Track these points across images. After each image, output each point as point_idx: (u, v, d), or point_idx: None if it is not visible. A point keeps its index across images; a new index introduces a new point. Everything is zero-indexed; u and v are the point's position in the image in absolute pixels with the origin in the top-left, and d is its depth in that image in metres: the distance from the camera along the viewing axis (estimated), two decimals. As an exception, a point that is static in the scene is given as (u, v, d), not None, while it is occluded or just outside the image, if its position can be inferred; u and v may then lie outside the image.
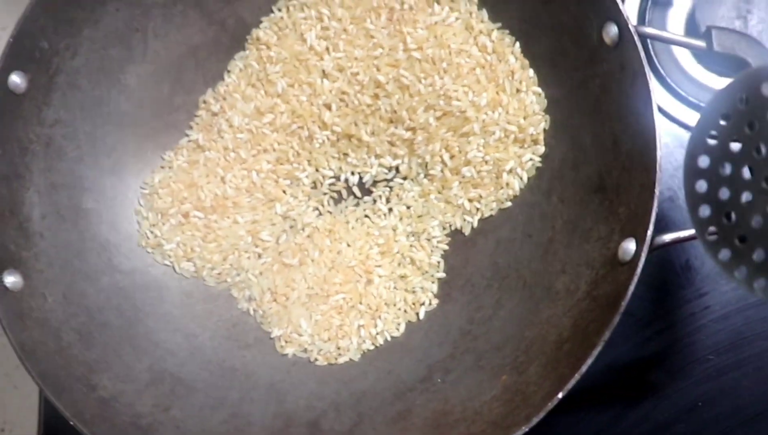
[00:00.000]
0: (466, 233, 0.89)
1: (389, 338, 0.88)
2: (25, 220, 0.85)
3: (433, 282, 0.89)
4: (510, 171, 0.87)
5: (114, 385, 0.83)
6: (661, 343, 0.90)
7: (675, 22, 0.94)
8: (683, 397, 0.89)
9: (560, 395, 0.73)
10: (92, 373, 0.82)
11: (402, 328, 0.88)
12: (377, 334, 0.88)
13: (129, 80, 0.92)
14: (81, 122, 0.89)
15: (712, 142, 0.60)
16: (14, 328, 0.79)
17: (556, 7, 0.83)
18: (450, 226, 0.89)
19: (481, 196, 0.88)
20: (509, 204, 0.88)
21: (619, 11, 0.77)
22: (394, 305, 0.88)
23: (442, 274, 0.89)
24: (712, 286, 0.90)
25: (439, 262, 0.89)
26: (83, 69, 0.88)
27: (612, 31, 0.78)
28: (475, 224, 0.89)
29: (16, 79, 0.83)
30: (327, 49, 0.90)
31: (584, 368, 0.73)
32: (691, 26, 0.92)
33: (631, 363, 0.88)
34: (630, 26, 0.76)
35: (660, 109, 0.87)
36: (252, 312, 0.91)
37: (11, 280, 0.81)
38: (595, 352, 0.73)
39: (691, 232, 0.74)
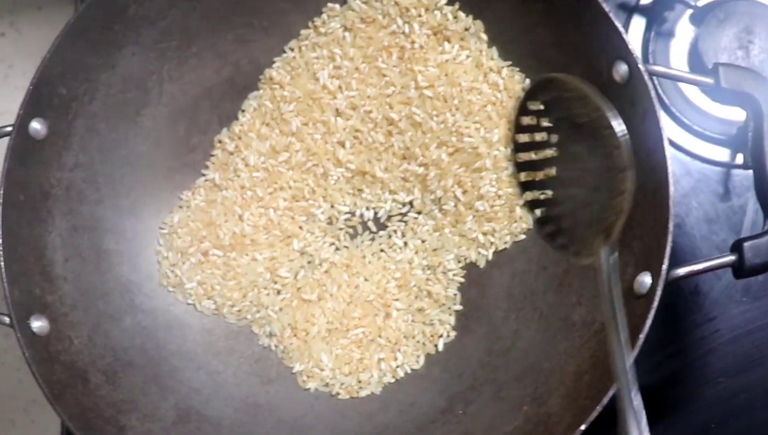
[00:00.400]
0: (481, 266, 0.90)
1: (409, 371, 0.89)
2: (49, 264, 0.86)
3: (450, 314, 0.90)
4: (523, 205, 0.88)
5: (142, 425, 0.84)
6: (673, 366, 0.92)
7: (678, 53, 0.96)
8: (696, 419, 0.91)
9: (583, 427, 0.75)
10: (120, 414, 0.84)
11: (422, 360, 0.90)
12: (397, 366, 0.89)
13: (145, 122, 0.93)
14: (100, 165, 0.90)
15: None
16: (43, 372, 0.80)
17: (565, 45, 0.84)
18: (465, 259, 0.91)
19: (494, 230, 0.90)
20: (523, 236, 0.89)
21: (629, 50, 0.78)
22: (413, 338, 0.90)
23: (459, 307, 0.90)
24: (720, 310, 0.92)
25: (455, 295, 0.90)
26: (101, 113, 0.89)
27: (622, 69, 0.79)
28: (490, 257, 0.90)
29: (36, 125, 0.84)
30: (340, 87, 0.92)
31: (605, 400, 0.74)
32: (694, 56, 0.94)
33: (643, 387, 0.88)
34: (640, 65, 0.78)
35: (665, 139, 0.88)
36: (273, 348, 0.92)
37: (38, 324, 0.82)
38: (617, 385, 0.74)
39: (706, 264, 0.76)
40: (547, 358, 0.84)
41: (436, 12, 0.90)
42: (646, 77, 0.78)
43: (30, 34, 1.13)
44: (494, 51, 0.90)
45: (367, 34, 0.91)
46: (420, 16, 0.90)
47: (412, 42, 0.90)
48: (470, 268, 0.92)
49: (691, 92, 0.94)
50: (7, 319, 0.80)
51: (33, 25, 1.13)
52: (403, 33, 0.90)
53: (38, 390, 1.01)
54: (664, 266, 0.75)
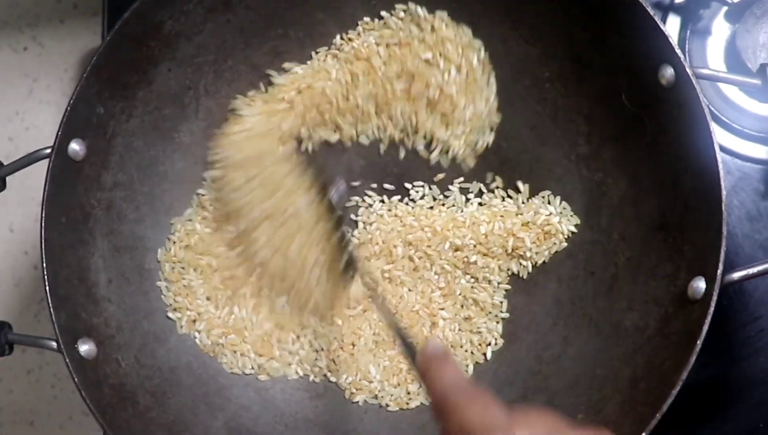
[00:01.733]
0: (524, 277, 0.90)
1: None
2: (93, 285, 0.85)
3: (497, 322, 0.90)
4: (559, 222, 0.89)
5: (194, 446, 0.83)
6: (719, 367, 0.92)
7: (714, 51, 0.95)
8: (744, 419, 0.91)
9: (644, 435, 0.74)
10: (171, 435, 0.83)
11: (470, 369, 0.89)
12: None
13: (183, 138, 0.92)
14: (139, 183, 0.90)
15: None
16: (93, 396, 0.79)
17: (608, 49, 0.84)
18: (508, 269, 0.90)
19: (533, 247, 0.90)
20: (564, 245, 0.89)
21: (675, 54, 0.77)
22: (461, 347, 0.89)
23: (505, 314, 0.90)
24: (766, 309, 0.92)
25: (502, 302, 0.90)
26: (138, 130, 0.89)
27: (668, 72, 0.79)
28: (530, 269, 0.90)
29: (75, 146, 0.83)
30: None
31: (665, 407, 0.74)
32: (731, 54, 0.94)
33: (690, 388, 0.88)
34: (687, 69, 0.77)
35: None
36: (321, 362, 0.91)
37: (85, 348, 0.81)
38: (675, 392, 0.74)
39: (761, 268, 0.76)
40: (600, 365, 0.83)
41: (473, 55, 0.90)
42: (693, 81, 0.77)
43: (53, 48, 1.13)
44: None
45: (398, 55, 0.90)
46: (456, 54, 0.89)
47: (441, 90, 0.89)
48: (515, 275, 0.91)
49: (730, 90, 0.94)
50: (54, 344, 0.79)
51: (55, 39, 1.12)
52: (437, 67, 0.90)
53: (74, 407, 1.02)
54: (719, 271, 0.74)
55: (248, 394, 0.89)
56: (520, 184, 0.92)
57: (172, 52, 0.88)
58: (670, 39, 0.78)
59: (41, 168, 0.81)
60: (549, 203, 0.89)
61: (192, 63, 0.90)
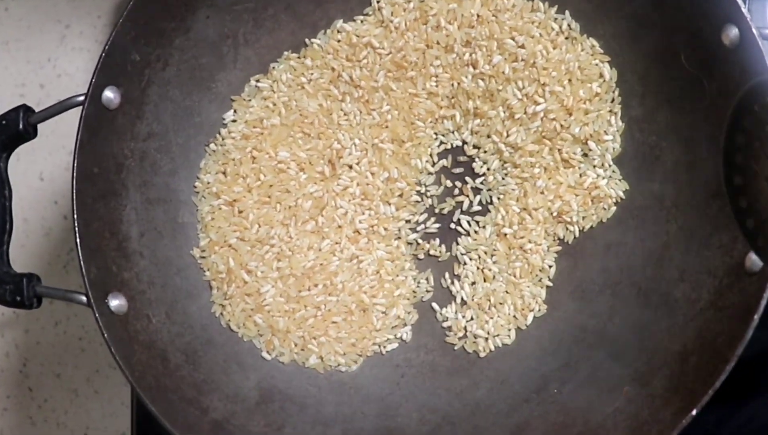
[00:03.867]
0: (569, 242, 0.86)
1: (500, 344, 0.86)
2: (124, 239, 0.83)
3: (542, 287, 0.87)
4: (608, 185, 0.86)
5: (225, 406, 0.82)
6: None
7: (776, 10, 0.91)
8: (794, 395, 0.88)
9: (694, 412, 0.71)
10: (202, 395, 0.81)
11: (513, 334, 0.86)
12: (488, 339, 0.86)
13: (220, 88, 0.89)
14: (173, 134, 0.87)
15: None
16: (123, 353, 0.77)
17: (666, 7, 0.80)
18: (554, 234, 0.87)
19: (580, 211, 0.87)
20: (613, 211, 0.86)
21: (741, 13, 0.74)
22: (504, 309, 0.86)
23: (549, 283, 0.87)
24: (826, 284, 0.88)
25: (551, 267, 0.87)
26: (174, 79, 0.86)
27: (732, 32, 0.75)
28: (577, 235, 0.87)
29: (109, 94, 0.80)
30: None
31: (718, 384, 0.71)
32: (792, 14, 0.89)
33: (738, 363, 0.85)
34: (753, 29, 0.73)
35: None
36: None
37: (116, 303, 0.79)
38: (729, 368, 0.71)
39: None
40: (648, 336, 0.80)
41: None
42: (760, 42, 0.73)
43: (86, -7, 1.09)
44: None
45: None
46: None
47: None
48: (561, 240, 0.88)
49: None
50: (83, 298, 0.77)
51: (90, -16, 1.09)
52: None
53: (101, 360, 1.01)
54: (781, 243, 0.71)
55: (281, 354, 0.86)
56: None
57: (211, -1, 0.84)
58: (735, -4, 0.73)
59: (72, 116, 0.79)
60: (599, 166, 0.85)
61: (231, 10, 0.87)
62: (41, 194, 1.08)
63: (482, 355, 0.86)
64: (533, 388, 0.83)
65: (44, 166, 1.07)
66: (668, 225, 0.83)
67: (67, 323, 1.07)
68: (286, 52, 0.90)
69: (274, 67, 0.90)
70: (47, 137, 0.99)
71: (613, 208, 0.86)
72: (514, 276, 0.86)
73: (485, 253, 0.87)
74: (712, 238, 0.78)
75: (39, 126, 0.81)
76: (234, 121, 0.89)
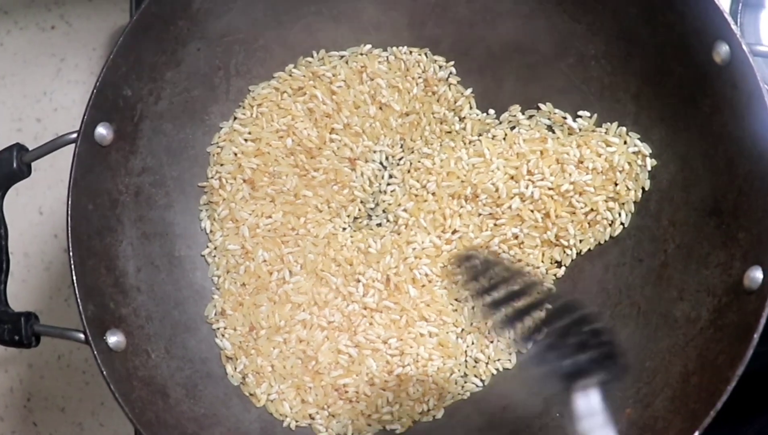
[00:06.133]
0: (566, 265, 0.86)
1: (501, 369, 0.85)
2: (121, 274, 0.82)
3: (541, 310, 0.86)
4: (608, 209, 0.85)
5: (227, 440, 0.81)
6: (774, 357, 0.87)
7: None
8: (799, 411, 0.87)
9: (697, 434, 0.70)
10: (203, 430, 0.81)
11: (513, 359, 0.86)
12: (488, 364, 0.85)
13: (213, 120, 0.89)
14: (168, 168, 0.87)
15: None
16: (123, 390, 0.77)
17: (658, 25, 0.80)
18: (551, 258, 0.86)
19: (577, 234, 0.86)
20: (609, 232, 0.85)
21: (731, 31, 0.73)
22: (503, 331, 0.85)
23: (548, 306, 0.86)
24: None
25: (550, 289, 0.86)
26: (167, 113, 0.86)
27: (723, 50, 0.74)
28: (574, 257, 0.86)
29: (102, 130, 0.80)
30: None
31: (719, 405, 0.70)
32: (785, 27, 0.89)
33: (743, 378, 0.84)
34: (744, 46, 0.73)
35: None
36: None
37: (114, 339, 0.79)
38: (730, 388, 0.70)
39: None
40: (649, 357, 0.80)
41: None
42: (750, 59, 0.72)
43: (81, 27, 1.10)
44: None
45: None
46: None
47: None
48: (558, 262, 0.87)
49: (786, 68, 0.89)
50: (81, 336, 0.77)
51: (83, 17, 1.10)
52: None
53: (105, 393, 0.98)
54: (779, 260, 0.70)
55: (282, 386, 0.86)
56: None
57: (201, 31, 0.85)
58: (725, 14, 0.73)
59: (70, 149, 0.79)
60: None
61: (222, 42, 0.87)
62: (41, 228, 1.07)
63: (484, 380, 0.85)
64: (535, 413, 0.83)
65: (43, 201, 1.07)
66: (665, 244, 0.82)
67: (69, 357, 1.07)
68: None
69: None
70: (45, 171, 0.99)
71: (609, 229, 0.84)
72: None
73: None
74: (710, 257, 0.78)
75: (36, 161, 0.80)
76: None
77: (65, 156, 0.79)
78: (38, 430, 1.06)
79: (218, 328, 0.87)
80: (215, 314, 0.87)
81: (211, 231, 0.88)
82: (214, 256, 0.88)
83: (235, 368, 0.85)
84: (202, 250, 0.89)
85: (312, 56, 0.90)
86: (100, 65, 1.06)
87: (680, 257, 0.81)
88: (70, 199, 0.77)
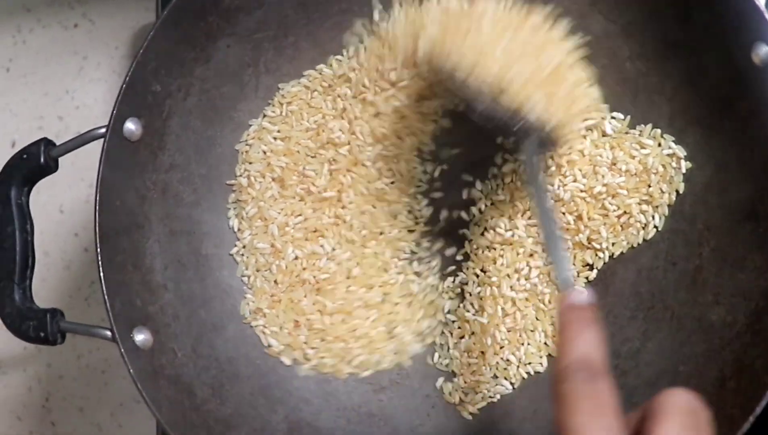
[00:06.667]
0: (598, 268, 0.85)
1: (532, 372, 0.84)
2: (148, 272, 0.82)
3: (571, 314, 0.85)
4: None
5: (253, 441, 0.80)
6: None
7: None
8: None
9: (735, 439, 0.69)
10: (230, 430, 0.80)
11: (545, 362, 0.85)
12: (519, 367, 0.84)
13: (242, 117, 0.88)
14: (196, 165, 0.86)
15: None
16: (149, 388, 0.76)
17: (695, 25, 0.79)
18: (582, 260, 0.85)
19: (610, 237, 0.85)
20: (642, 235, 0.84)
21: (772, 31, 0.72)
22: (534, 334, 0.85)
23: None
24: None
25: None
26: (196, 109, 0.85)
27: (762, 51, 0.74)
28: (606, 260, 0.85)
29: (131, 126, 0.79)
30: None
31: (758, 410, 0.69)
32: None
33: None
34: (785, 48, 0.72)
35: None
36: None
37: (141, 337, 0.78)
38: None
39: None
40: (683, 361, 0.79)
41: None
42: (791, 60, 0.71)
43: (103, 25, 1.09)
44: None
45: None
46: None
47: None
48: (590, 265, 0.86)
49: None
50: (109, 333, 0.76)
51: (106, 15, 1.09)
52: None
53: (125, 393, 1.00)
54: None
55: (309, 387, 0.86)
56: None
57: (232, 28, 0.84)
58: (765, 14, 0.72)
59: (92, 148, 0.78)
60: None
61: (252, 39, 0.86)
62: (61, 227, 1.07)
63: (514, 383, 0.84)
64: (567, 417, 0.81)
65: (64, 199, 1.06)
66: (700, 248, 0.81)
67: (89, 356, 1.06)
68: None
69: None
70: (67, 169, 0.97)
71: (642, 232, 0.83)
72: (543, 303, 0.84)
73: (512, 277, 0.85)
74: (746, 261, 0.77)
75: (59, 159, 0.79)
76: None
77: (88, 154, 0.80)
78: (56, 431, 1.06)
79: (257, 326, 0.85)
80: (250, 313, 0.85)
81: (239, 229, 0.87)
82: (243, 254, 0.87)
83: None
84: (230, 248, 0.88)
85: (342, 54, 0.88)
86: (122, 64, 1.06)
87: (715, 261, 0.79)
88: (98, 194, 0.76)
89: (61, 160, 0.80)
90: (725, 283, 0.78)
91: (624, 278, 0.85)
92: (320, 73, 0.89)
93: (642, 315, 0.83)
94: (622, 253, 0.85)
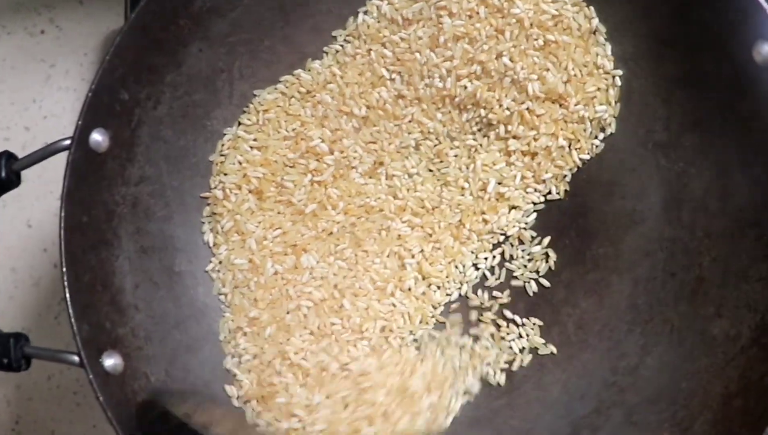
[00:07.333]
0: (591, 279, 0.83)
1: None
2: (118, 291, 0.77)
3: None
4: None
5: (233, 470, 0.76)
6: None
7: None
8: None
9: (744, 461, 0.66)
10: (207, 459, 0.75)
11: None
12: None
13: (216, 126, 0.85)
14: (167, 176, 0.82)
15: None
16: (120, 416, 0.71)
17: (692, 23, 0.76)
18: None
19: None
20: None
21: (774, 28, 0.69)
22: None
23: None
24: None
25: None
26: (167, 118, 0.81)
27: (764, 49, 0.72)
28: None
29: (97, 137, 0.75)
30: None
31: (768, 430, 0.66)
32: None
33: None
34: (789, 47, 0.69)
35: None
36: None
37: (111, 362, 0.74)
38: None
39: None
40: (685, 377, 0.76)
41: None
42: (795, 60, 0.68)
43: (71, 31, 1.06)
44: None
45: None
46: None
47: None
48: (582, 273, 0.83)
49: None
50: (76, 359, 0.71)
51: (74, 20, 1.06)
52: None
53: (98, 415, 0.96)
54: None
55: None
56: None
57: (204, 31, 0.81)
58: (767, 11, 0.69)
59: (60, 160, 0.74)
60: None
61: (225, 43, 0.83)
62: (30, 242, 1.03)
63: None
64: (563, 437, 0.77)
65: (32, 213, 1.03)
66: (700, 257, 0.78)
67: (60, 377, 1.02)
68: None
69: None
70: (34, 182, 0.95)
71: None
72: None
73: None
74: (750, 270, 0.74)
75: (25, 171, 0.75)
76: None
77: (55, 166, 0.75)
78: (27, 455, 1.01)
79: (237, 348, 0.81)
80: (230, 331, 0.82)
81: (214, 244, 0.83)
82: (219, 271, 0.83)
83: None
84: (205, 265, 0.84)
85: (321, 59, 0.85)
86: (91, 71, 1.02)
87: (717, 271, 0.77)
88: (63, 210, 0.72)
89: (28, 172, 0.76)
90: (728, 295, 0.75)
91: (620, 290, 0.82)
92: (298, 79, 0.84)
93: (640, 329, 0.80)
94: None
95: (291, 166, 0.84)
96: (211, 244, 0.84)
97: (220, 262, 0.83)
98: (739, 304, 0.74)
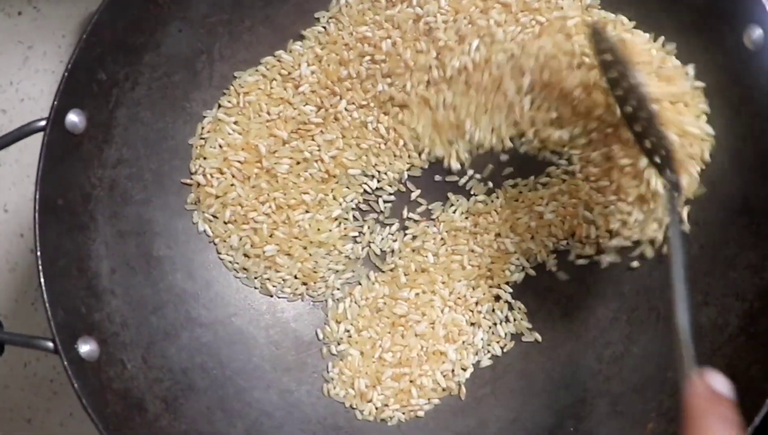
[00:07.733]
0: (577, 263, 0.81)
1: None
2: (94, 276, 0.76)
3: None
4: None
5: (210, 459, 0.75)
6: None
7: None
8: None
9: (732, 452, 0.65)
10: (185, 449, 0.74)
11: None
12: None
13: (195, 108, 0.83)
14: (146, 159, 0.80)
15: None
16: (95, 404, 0.70)
17: (681, 7, 0.75)
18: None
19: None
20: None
21: (766, 13, 0.69)
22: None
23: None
24: None
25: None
26: (145, 99, 0.80)
27: (755, 33, 0.70)
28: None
29: (73, 118, 0.73)
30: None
31: (757, 420, 0.65)
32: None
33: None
34: (779, 30, 0.68)
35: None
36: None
37: (86, 348, 0.72)
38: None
39: None
40: (671, 366, 0.73)
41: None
42: (786, 44, 0.68)
43: (49, 12, 1.04)
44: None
45: None
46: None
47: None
48: (569, 263, 0.82)
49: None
50: (51, 345, 0.70)
51: (53, 2, 1.03)
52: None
53: (74, 403, 0.93)
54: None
55: (270, 398, 0.81)
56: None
57: (183, 11, 0.79)
58: (760, -5, 0.69)
59: (36, 142, 0.72)
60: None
61: (205, 23, 0.81)
62: (6, 227, 1.02)
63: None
64: (547, 426, 0.78)
65: (8, 197, 1.01)
66: (688, 244, 0.77)
67: (36, 365, 1.01)
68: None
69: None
70: (11, 166, 0.94)
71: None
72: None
73: None
74: (738, 258, 0.73)
75: (1, 155, 0.73)
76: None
77: (31, 149, 0.74)
78: (3, 444, 1.00)
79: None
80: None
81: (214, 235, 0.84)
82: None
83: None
84: (183, 249, 0.83)
85: (301, 40, 0.83)
86: (69, 54, 0.99)
87: (705, 259, 0.76)
88: (37, 193, 0.71)
89: (4, 156, 0.75)
90: (716, 283, 0.74)
91: (606, 277, 0.81)
92: (279, 61, 0.83)
93: (625, 317, 0.80)
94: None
95: (273, 152, 0.82)
96: (209, 234, 0.84)
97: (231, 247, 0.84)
98: (727, 293, 0.73)
